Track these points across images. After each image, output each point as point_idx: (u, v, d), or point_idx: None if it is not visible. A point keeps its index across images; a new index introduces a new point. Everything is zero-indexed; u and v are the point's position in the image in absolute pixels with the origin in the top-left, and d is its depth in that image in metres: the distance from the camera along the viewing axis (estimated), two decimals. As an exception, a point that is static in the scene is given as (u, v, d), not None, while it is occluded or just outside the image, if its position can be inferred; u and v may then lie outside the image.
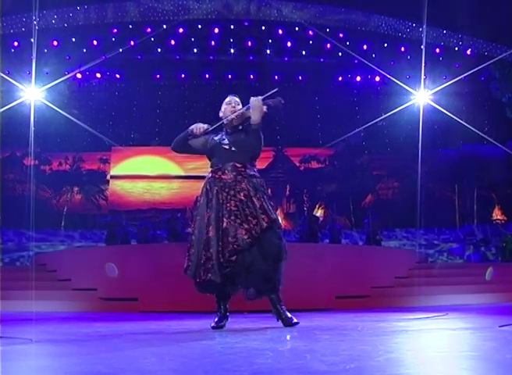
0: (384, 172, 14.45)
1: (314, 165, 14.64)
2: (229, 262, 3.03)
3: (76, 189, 14.01)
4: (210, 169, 3.30)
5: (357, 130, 12.66)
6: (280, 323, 3.20)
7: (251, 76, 14.31)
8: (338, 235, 10.93)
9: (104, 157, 14.41)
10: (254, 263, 3.04)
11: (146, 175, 14.48)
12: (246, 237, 3.03)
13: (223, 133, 3.38)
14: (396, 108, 11.22)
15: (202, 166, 14.21)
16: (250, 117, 3.21)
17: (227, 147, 3.25)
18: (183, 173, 14.51)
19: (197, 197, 3.31)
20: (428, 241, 12.88)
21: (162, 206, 14.11)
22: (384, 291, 7.35)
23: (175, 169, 14.57)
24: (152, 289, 6.61)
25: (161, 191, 14.50)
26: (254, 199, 3.10)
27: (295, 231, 11.50)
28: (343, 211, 14.18)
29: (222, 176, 3.19)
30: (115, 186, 14.41)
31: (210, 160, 3.36)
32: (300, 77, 14.41)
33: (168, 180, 14.58)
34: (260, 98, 3.14)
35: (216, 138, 3.35)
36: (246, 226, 3.04)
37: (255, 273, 3.06)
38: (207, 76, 14.27)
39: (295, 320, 3.20)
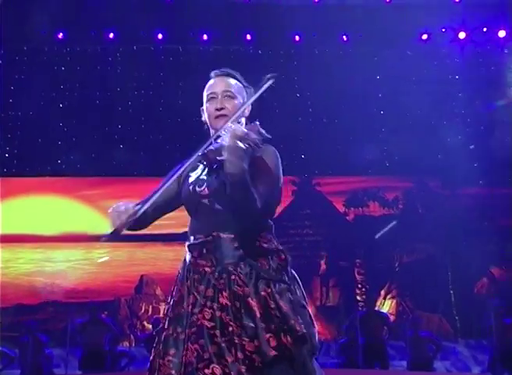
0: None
1: (375, 210, 15.09)
2: None
3: None
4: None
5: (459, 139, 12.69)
6: None
7: (248, 37, 14.55)
8: (427, 352, 11.29)
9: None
10: None
11: (37, 235, 14.59)
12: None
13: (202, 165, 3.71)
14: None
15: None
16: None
17: (206, 201, 3.56)
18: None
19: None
20: None
21: (72, 298, 14.22)
22: None
23: (98, 223, 14.52)
24: None
25: (70, 267, 14.65)
26: (251, 301, 3.32)
27: (339, 344, 12.05)
28: (434, 303, 14.25)
29: (199, 261, 3.51)
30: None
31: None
32: (344, 37, 14.55)
33: (84, 245, 14.72)
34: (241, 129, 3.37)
35: (193, 174, 3.70)
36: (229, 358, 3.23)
37: None
38: (159, 36, 14.39)
39: None
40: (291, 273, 3.48)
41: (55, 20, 13.65)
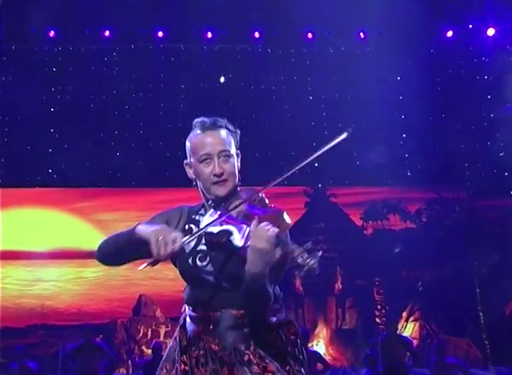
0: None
1: (396, 223, 15.14)
2: None
3: None
4: (186, 307, 3.66)
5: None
6: None
7: (256, 35, 14.42)
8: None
9: None
10: None
11: (25, 251, 14.63)
12: None
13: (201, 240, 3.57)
14: None
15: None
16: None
17: (211, 278, 3.52)
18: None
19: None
20: None
21: (64, 320, 14.35)
22: None
23: (92, 237, 14.54)
24: None
25: (62, 287, 14.76)
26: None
27: (358, 373, 12.36)
28: (462, 326, 14.29)
29: (204, 336, 3.48)
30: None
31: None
32: (361, 34, 14.51)
33: (76, 263, 14.75)
34: (274, 231, 3.15)
35: (188, 250, 3.55)
36: None
37: None
38: (160, 34, 14.26)
39: None
40: (301, 347, 3.51)
41: (46, 17, 13.39)
